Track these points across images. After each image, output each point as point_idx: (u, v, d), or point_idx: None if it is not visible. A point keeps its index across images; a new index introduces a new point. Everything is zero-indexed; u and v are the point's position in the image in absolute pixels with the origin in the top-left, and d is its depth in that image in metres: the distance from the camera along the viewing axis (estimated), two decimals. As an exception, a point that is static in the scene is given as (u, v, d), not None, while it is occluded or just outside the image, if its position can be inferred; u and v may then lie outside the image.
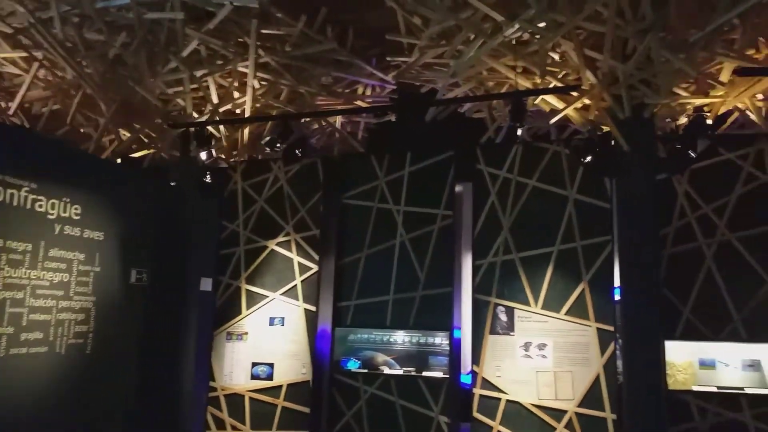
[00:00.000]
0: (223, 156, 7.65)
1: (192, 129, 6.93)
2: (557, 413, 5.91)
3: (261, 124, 7.56)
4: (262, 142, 7.15)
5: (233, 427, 7.00)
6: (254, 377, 7.04)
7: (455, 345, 6.50)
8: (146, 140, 7.48)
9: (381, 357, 6.85)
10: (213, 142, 7.07)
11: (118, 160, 7.34)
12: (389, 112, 7.80)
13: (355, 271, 6.89)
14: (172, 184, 7.39)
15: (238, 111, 7.35)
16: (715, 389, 5.73)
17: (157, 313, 6.99)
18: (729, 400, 5.62)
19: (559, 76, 6.25)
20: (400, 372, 6.66)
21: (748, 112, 6.34)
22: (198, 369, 7.24)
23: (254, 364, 7.07)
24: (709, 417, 5.61)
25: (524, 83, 6.27)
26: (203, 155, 6.85)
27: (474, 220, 6.55)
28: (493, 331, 6.25)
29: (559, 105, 6.21)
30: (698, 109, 5.97)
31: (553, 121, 6.33)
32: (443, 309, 6.49)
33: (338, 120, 7.82)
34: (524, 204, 6.41)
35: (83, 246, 6.02)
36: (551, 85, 6.21)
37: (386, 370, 6.71)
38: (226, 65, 6.83)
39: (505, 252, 6.36)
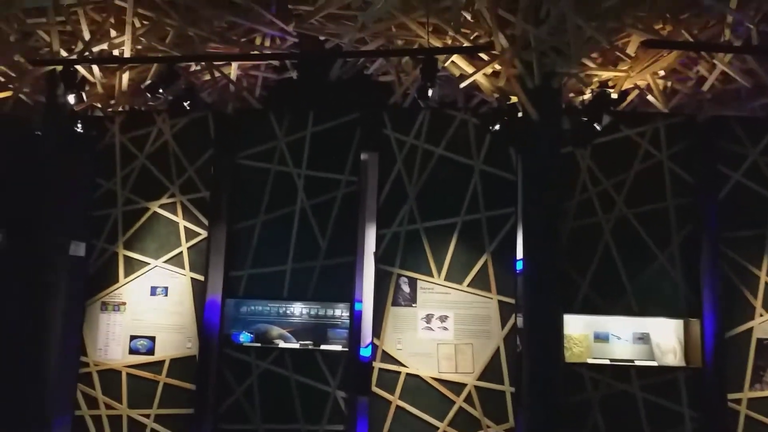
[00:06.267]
0: (98, 104, 6.79)
1: (59, 69, 6.01)
2: (457, 386, 5.86)
3: (144, 70, 6.76)
4: (143, 86, 6.37)
5: (108, 406, 6.39)
6: (133, 351, 6.45)
7: (356, 317, 6.24)
8: (3, 80, 6.44)
9: (276, 330, 6.50)
10: (86, 87, 6.19)
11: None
12: (290, 68, 7.24)
13: (249, 238, 6.41)
14: (37, 133, 6.45)
15: (115, 52, 6.47)
16: (608, 362, 5.93)
17: (17, 280, 6.26)
18: (620, 371, 5.83)
19: (471, 38, 6.02)
20: (296, 346, 6.35)
21: (647, 91, 6.47)
22: (66, 343, 6.52)
23: (133, 338, 6.47)
24: (601, 388, 5.79)
25: (435, 43, 5.98)
26: (72, 99, 5.98)
27: (379, 188, 6.29)
28: (395, 303, 6.06)
29: (469, 69, 5.99)
30: (603, 84, 6.01)
31: (463, 85, 6.12)
32: (345, 279, 6.22)
33: (233, 71, 7.11)
34: (431, 173, 6.20)
35: None
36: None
37: (281, 344, 6.38)
38: (100, -4, 5.98)
39: (409, 221, 6.14)
